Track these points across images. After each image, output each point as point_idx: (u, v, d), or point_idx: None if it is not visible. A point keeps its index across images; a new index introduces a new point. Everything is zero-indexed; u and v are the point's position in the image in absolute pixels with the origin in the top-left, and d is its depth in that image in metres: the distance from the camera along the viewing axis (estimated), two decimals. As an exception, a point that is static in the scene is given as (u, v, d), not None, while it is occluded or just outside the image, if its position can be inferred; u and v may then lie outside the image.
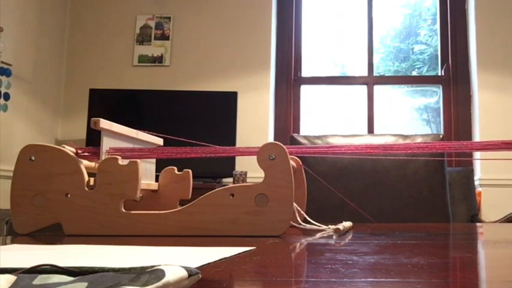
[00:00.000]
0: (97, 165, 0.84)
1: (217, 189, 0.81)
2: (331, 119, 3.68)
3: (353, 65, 3.65)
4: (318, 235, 0.83)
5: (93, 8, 3.59)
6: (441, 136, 1.59)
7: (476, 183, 3.03)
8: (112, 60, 3.51)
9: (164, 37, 3.50)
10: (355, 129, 3.49)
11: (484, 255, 0.63)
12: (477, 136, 3.17)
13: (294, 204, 0.82)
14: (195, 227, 0.80)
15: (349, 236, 0.82)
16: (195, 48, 3.43)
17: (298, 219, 0.90)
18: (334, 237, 0.80)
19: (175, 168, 0.98)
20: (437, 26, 3.53)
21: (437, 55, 3.53)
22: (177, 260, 0.50)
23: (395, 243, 0.72)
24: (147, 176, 0.95)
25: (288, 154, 0.80)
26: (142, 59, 3.50)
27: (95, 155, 0.87)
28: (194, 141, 0.96)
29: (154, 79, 3.44)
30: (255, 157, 0.80)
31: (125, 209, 0.82)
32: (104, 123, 0.85)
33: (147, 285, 0.30)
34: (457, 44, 3.41)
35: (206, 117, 3.23)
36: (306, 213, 0.93)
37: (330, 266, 0.48)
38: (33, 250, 0.60)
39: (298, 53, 3.57)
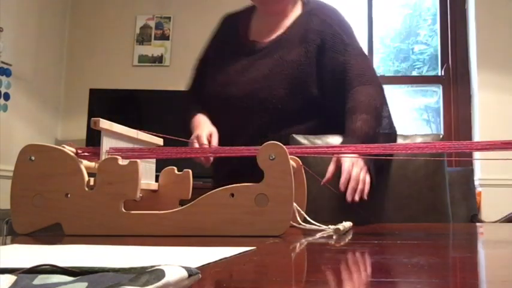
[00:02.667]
0: (97, 165, 0.84)
1: (217, 189, 0.81)
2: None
3: (353, 65, 3.64)
4: (318, 235, 0.83)
5: (93, 8, 3.59)
6: (441, 136, 1.59)
7: (476, 183, 3.03)
8: (112, 60, 3.51)
9: (164, 37, 3.50)
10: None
11: (484, 255, 0.63)
12: (477, 136, 3.17)
13: (294, 204, 0.82)
14: (195, 227, 0.80)
15: (349, 236, 0.82)
16: (195, 48, 3.40)
17: (298, 219, 0.89)
18: (334, 237, 0.79)
19: (175, 168, 0.98)
20: (437, 26, 3.53)
21: (437, 55, 3.53)
22: (177, 260, 0.50)
23: (395, 243, 0.72)
24: (147, 176, 0.95)
25: (288, 154, 0.80)
26: (143, 59, 3.50)
27: (95, 155, 0.86)
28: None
29: (154, 79, 3.44)
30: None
31: (125, 209, 0.82)
32: (104, 123, 0.85)
33: (147, 285, 0.30)
34: (457, 44, 3.40)
35: (206, 117, 3.23)
36: (306, 213, 0.93)
37: (330, 266, 0.48)
38: (33, 250, 0.60)
39: (298, 53, 3.56)
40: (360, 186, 1.14)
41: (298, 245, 0.75)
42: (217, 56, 1.55)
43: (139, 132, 0.96)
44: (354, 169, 1.14)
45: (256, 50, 1.47)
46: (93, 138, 3.13)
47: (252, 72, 1.43)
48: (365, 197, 1.14)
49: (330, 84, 1.39)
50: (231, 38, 1.55)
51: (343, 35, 1.43)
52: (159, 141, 1.03)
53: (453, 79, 3.39)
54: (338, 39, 1.42)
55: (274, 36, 1.47)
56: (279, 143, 0.81)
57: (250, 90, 1.39)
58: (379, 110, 1.38)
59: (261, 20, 1.53)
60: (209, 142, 1.29)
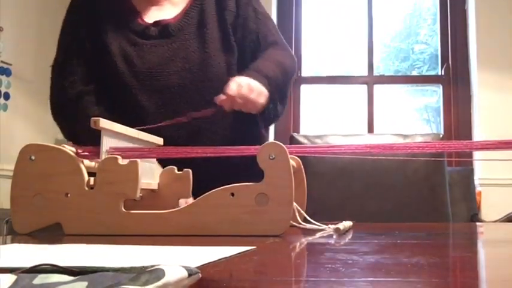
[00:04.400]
0: (97, 164, 0.84)
1: (217, 189, 0.81)
2: (331, 118, 3.67)
3: (353, 64, 3.65)
4: (318, 235, 0.83)
5: (93, 7, 3.59)
6: (441, 136, 1.60)
7: (476, 183, 3.03)
8: (112, 60, 3.51)
9: (164, 37, 3.49)
10: (355, 129, 3.48)
11: (484, 255, 0.63)
12: (477, 136, 3.17)
13: (294, 203, 0.82)
14: (195, 227, 0.80)
15: (349, 236, 0.82)
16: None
17: (298, 218, 0.90)
18: (334, 236, 0.80)
19: (175, 168, 0.97)
20: (437, 26, 3.53)
21: (437, 55, 3.52)
22: (177, 259, 0.50)
23: (395, 243, 0.72)
24: (147, 176, 0.95)
25: (288, 154, 0.80)
26: (143, 58, 3.49)
27: (95, 154, 0.87)
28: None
29: (154, 79, 3.43)
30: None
31: (124, 208, 0.82)
32: (104, 123, 0.85)
33: (147, 284, 0.30)
34: (457, 44, 3.40)
35: (206, 117, 3.22)
36: (306, 212, 0.93)
37: (330, 266, 0.48)
38: (33, 250, 0.60)
39: (299, 52, 3.56)
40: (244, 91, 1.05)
41: (298, 244, 0.75)
42: (111, 39, 1.26)
43: (139, 131, 0.96)
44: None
45: (168, 32, 1.24)
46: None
47: (187, 56, 1.22)
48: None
49: (248, 56, 1.28)
50: (114, 14, 1.30)
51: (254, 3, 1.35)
52: (159, 141, 1.03)
53: (453, 79, 3.39)
54: (251, 7, 1.34)
55: (176, 13, 1.26)
56: (279, 142, 0.81)
57: (198, 76, 1.20)
58: (288, 69, 1.26)
59: None
60: None
